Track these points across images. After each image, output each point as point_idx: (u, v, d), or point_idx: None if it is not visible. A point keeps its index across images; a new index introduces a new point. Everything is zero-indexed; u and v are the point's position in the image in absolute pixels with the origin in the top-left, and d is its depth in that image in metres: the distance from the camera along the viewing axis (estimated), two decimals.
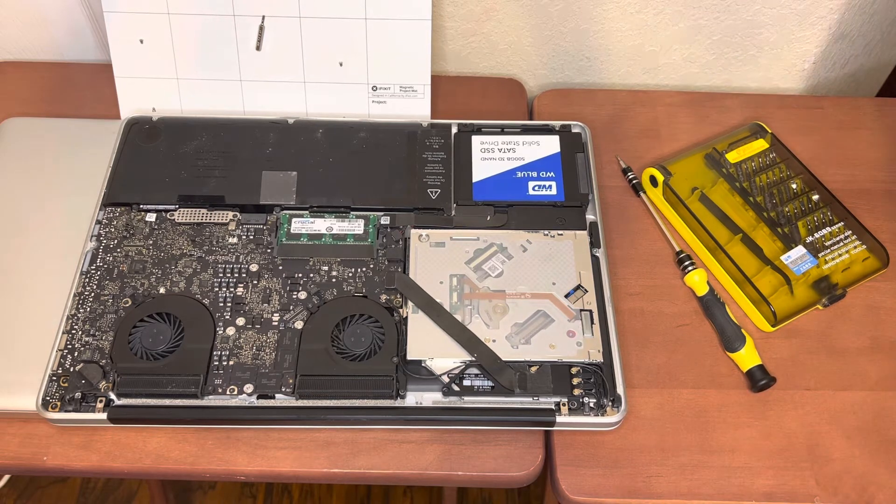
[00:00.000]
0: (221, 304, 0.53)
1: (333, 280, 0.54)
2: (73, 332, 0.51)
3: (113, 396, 0.49)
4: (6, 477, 1.01)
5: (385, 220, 0.57)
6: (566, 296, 0.53)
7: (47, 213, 0.58)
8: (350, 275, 0.54)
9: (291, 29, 0.61)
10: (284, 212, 0.57)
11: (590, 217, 0.58)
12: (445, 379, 0.50)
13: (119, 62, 0.63)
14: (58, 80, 0.68)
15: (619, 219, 0.61)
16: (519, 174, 0.59)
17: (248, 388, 0.49)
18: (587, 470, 0.49)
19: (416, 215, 0.57)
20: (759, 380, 0.52)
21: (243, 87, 0.63)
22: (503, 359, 0.50)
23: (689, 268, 0.57)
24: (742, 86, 0.74)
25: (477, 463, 0.49)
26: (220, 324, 0.52)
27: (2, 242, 0.57)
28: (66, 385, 0.49)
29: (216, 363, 0.50)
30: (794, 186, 0.60)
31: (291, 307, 0.53)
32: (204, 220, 0.57)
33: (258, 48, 0.62)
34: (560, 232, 0.56)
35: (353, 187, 0.58)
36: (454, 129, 0.62)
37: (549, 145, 0.61)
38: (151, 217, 0.57)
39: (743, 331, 0.54)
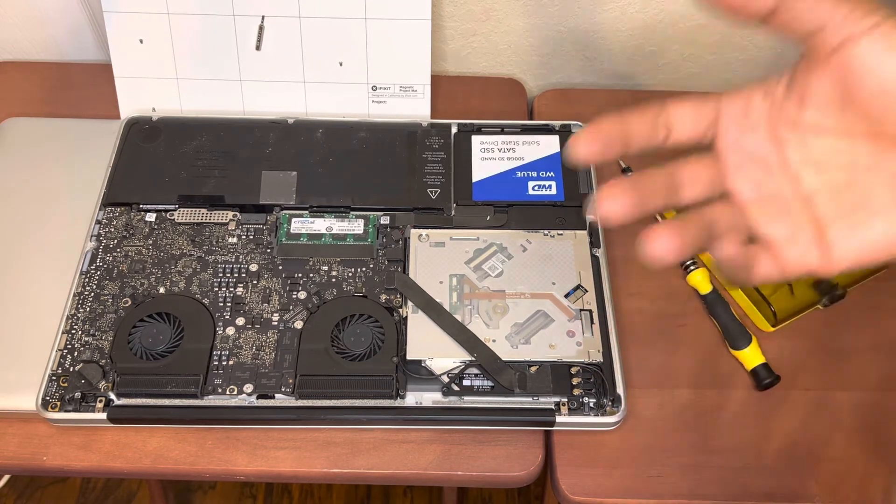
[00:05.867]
0: (221, 304, 0.53)
1: (333, 280, 0.54)
2: (73, 332, 0.51)
3: (113, 396, 0.49)
4: (6, 477, 1.01)
5: (385, 220, 0.57)
6: (566, 296, 0.53)
7: (47, 213, 0.58)
8: (350, 275, 0.54)
9: (291, 29, 0.61)
10: (284, 212, 0.57)
11: (590, 217, 0.58)
12: (445, 379, 0.50)
13: (119, 62, 0.63)
14: (58, 80, 0.68)
15: None
16: (519, 174, 0.59)
17: (248, 387, 0.49)
18: (587, 470, 0.49)
19: (416, 215, 0.57)
20: (763, 378, 0.52)
21: (243, 87, 0.63)
22: (503, 359, 0.50)
23: (692, 267, 0.57)
24: (742, 86, 0.73)
25: (477, 463, 0.49)
26: (220, 324, 0.52)
27: (1, 242, 0.57)
28: (65, 385, 0.49)
29: (216, 363, 0.50)
30: None
31: (291, 307, 0.53)
32: (204, 220, 0.57)
33: (258, 48, 0.62)
34: (560, 232, 0.56)
35: (353, 187, 0.58)
36: (454, 129, 0.62)
37: (549, 145, 0.61)
38: (151, 217, 0.57)
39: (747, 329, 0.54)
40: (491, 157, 0.60)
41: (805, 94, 0.31)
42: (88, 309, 0.52)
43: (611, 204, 0.32)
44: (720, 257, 0.33)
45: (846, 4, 0.28)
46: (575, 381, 0.50)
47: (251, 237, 0.56)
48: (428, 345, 0.50)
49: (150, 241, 0.56)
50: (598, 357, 0.50)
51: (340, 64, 0.63)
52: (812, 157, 0.31)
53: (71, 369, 0.50)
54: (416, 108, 0.64)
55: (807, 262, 0.31)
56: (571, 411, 0.49)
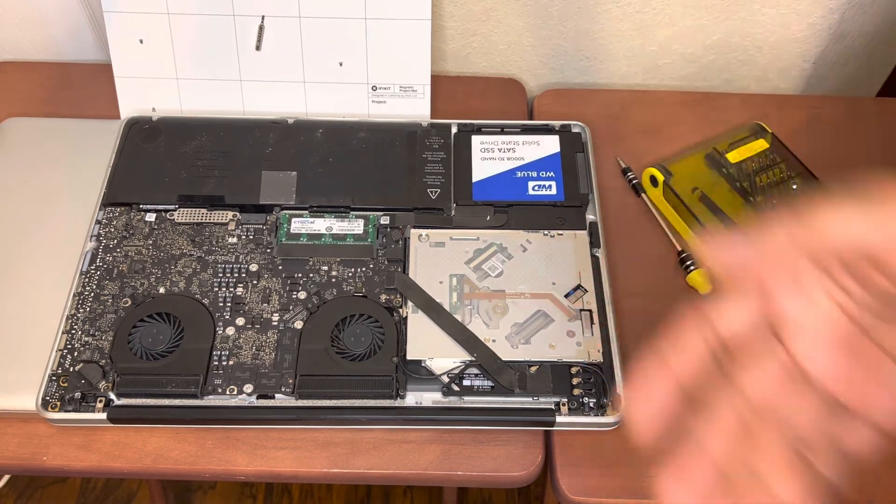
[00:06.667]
0: (221, 304, 0.53)
1: (333, 280, 0.54)
2: (73, 332, 0.51)
3: (113, 396, 0.49)
4: (6, 477, 1.01)
5: (385, 220, 0.57)
6: (566, 296, 0.53)
7: (47, 213, 0.58)
8: (350, 275, 0.54)
9: (291, 29, 0.61)
10: (284, 212, 0.57)
11: (590, 217, 0.58)
12: (445, 379, 0.50)
13: (119, 62, 0.63)
14: (58, 80, 0.68)
15: (620, 219, 0.61)
16: (519, 174, 0.59)
17: (248, 388, 0.49)
18: (587, 470, 0.49)
19: (416, 215, 0.57)
20: None
21: (243, 87, 0.63)
22: (503, 359, 0.50)
23: (692, 267, 0.57)
24: (742, 86, 0.74)
25: (477, 463, 0.49)
26: (220, 324, 0.52)
27: (1, 242, 0.57)
28: (65, 385, 0.49)
29: (216, 363, 0.50)
30: (794, 187, 0.60)
31: (291, 307, 0.53)
32: (204, 220, 0.57)
33: (258, 48, 0.62)
34: (560, 232, 0.56)
35: (353, 187, 0.58)
36: (454, 129, 0.62)
37: (549, 145, 0.61)
38: (151, 217, 0.57)
39: None
40: (491, 157, 0.60)
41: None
42: (88, 309, 0.52)
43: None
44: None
45: None
46: (575, 381, 0.50)
47: (251, 237, 0.56)
48: (428, 345, 0.50)
49: (150, 241, 0.56)
50: (597, 357, 0.50)
51: (340, 64, 0.63)
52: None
53: (71, 369, 0.50)
54: (416, 108, 0.64)
55: None
56: (571, 411, 0.49)
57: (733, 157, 0.61)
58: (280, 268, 0.55)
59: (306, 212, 0.57)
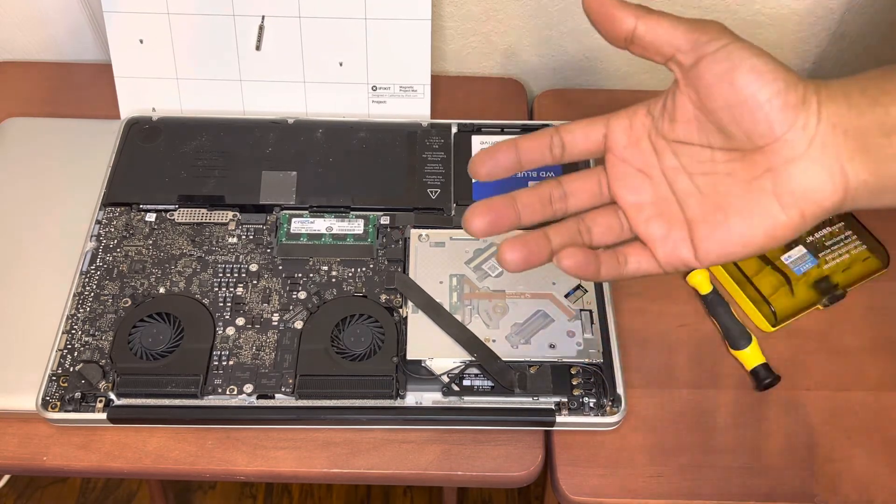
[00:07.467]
0: (221, 304, 0.53)
1: (333, 280, 0.54)
2: (73, 332, 0.51)
3: (113, 396, 0.49)
4: (6, 477, 1.01)
5: (385, 220, 0.57)
6: (566, 296, 0.53)
7: (47, 213, 0.58)
8: (350, 275, 0.54)
9: (291, 29, 0.61)
10: (284, 212, 0.57)
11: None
12: (445, 379, 0.50)
13: (119, 62, 0.63)
14: (58, 80, 0.68)
15: None
16: (519, 174, 0.59)
17: (248, 388, 0.49)
18: (587, 470, 0.49)
19: (416, 215, 0.57)
20: (763, 378, 0.52)
21: (243, 87, 0.63)
22: (503, 359, 0.50)
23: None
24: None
25: (477, 463, 0.49)
26: (220, 324, 0.52)
27: (1, 242, 0.57)
28: (65, 385, 0.49)
29: (216, 363, 0.50)
30: None
31: (291, 307, 0.53)
32: (204, 220, 0.57)
33: (258, 48, 0.62)
34: None
35: (353, 187, 0.58)
36: (454, 129, 0.62)
37: None
38: (151, 217, 0.57)
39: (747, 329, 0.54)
40: None
41: (673, 112, 0.35)
42: (88, 309, 0.52)
43: (479, 223, 0.38)
44: (565, 266, 0.36)
45: (695, 32, 0.33)
46: (575, 381, 0.50)
47: (251, 237, 0.56)
48: (428, 345, 0.50)
49: (150, 241, 0.56)
50: (598, 357, 0.50)
51: (340, 64, 0.63)
52: (683, 166, 0.36)
53: (71, 369, 0.50)
54: (416, 108, 0.64)
55: (680, 258, 0.36)
56: (571, 411, 0.49)
57: None
58: (280, 268, 0.55)
59: (306, 212, 0.57)
